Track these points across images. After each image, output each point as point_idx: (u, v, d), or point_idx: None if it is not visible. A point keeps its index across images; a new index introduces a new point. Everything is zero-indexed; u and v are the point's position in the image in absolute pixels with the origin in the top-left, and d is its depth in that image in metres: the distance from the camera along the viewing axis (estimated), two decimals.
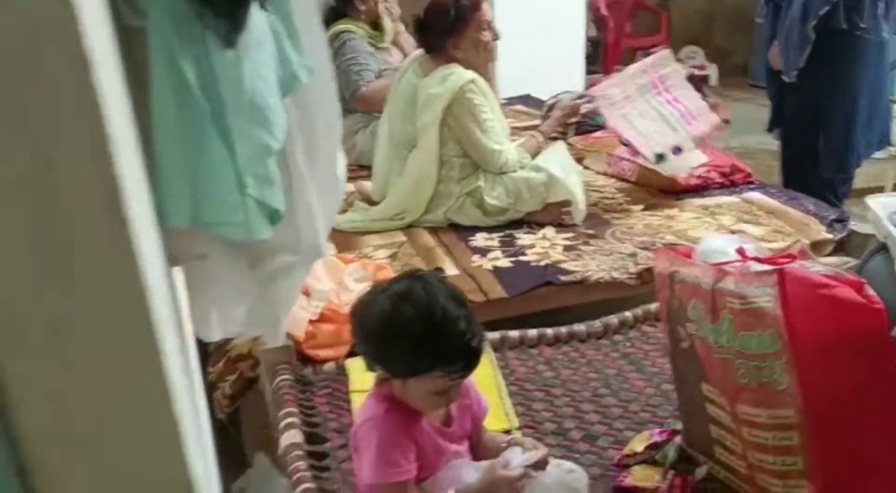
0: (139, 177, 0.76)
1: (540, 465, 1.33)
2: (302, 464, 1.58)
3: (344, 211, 2.96)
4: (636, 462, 1.64)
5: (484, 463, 1.34)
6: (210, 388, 2.07)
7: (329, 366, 2.03)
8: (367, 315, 1.26)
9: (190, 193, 0.84)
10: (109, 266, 0.46)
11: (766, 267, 1.42)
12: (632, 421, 1.81)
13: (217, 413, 2.08)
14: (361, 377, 1.88)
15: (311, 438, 1.72)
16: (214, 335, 1.16)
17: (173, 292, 0.98)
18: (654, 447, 1.65)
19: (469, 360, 1.24)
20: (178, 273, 1.05)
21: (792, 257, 1.47)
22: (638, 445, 1.67)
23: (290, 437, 1.67)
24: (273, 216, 0.96)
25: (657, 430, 1.71)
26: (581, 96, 3.21)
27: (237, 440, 2.17)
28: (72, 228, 0.45)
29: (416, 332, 1.21)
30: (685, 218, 2.78)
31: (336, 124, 1.08)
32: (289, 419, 1.74)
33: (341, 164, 1.14)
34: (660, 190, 3.04)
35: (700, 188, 3.05)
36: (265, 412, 1.94)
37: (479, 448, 1.44)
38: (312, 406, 1.85)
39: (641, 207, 2.93)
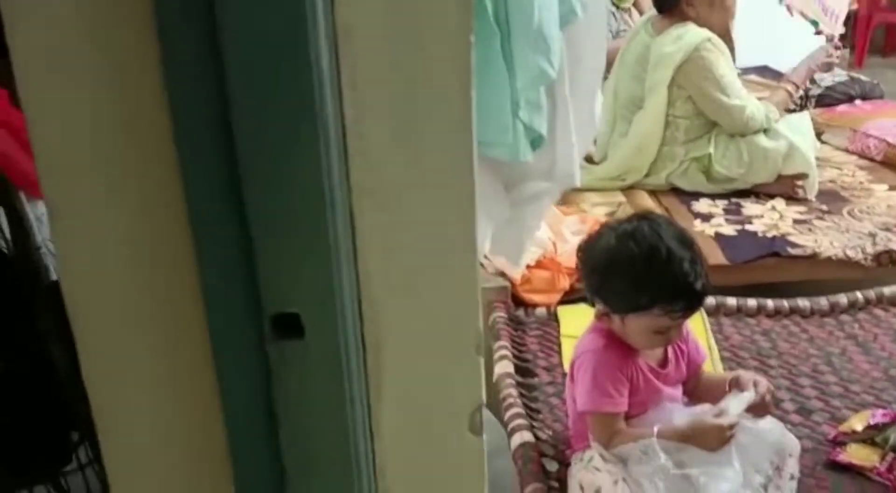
0: None
1: (759, 410, 1.32)
2: (513, 391, 1.66)
3: None
4: (853, 440, 1.58)
5: (697, 409, 1.35)
6: None
7: (541, 311, 2.10)
8: (593, 249, 1.31)
9: None
10: (454, 140, 0.55)
11: None
12: (852, 401, 1.73)
13: None
14: (573, 323, 1.93)
15: (520, 371, 1.80)
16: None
17: None
18: (874, 427, 1.58)
19: (690, 300, 1.25)
20: None
21: None
22: (857, 423, 1.61)
23: (503, 367, 1.76)
24: (536, 141, 1.02)
25: (880, 411, 1.63)
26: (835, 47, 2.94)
27: None
28: (432, 101, 0.54)
29: (639, 268, 1.24)
30: None
31: (600, 62, 1.12)
32: (503, 352, 1.83)
33: (598, 101, 1.18)
34: None
35: None
36: None
37: (698, 392, 1.45)
38: (523, 344, 1.93)
39: (886, 187, 2.73)
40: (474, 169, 0.55)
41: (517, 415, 1.57)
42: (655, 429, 1.27)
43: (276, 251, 0.52)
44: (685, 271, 1.23)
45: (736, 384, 1.37)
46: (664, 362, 1.39)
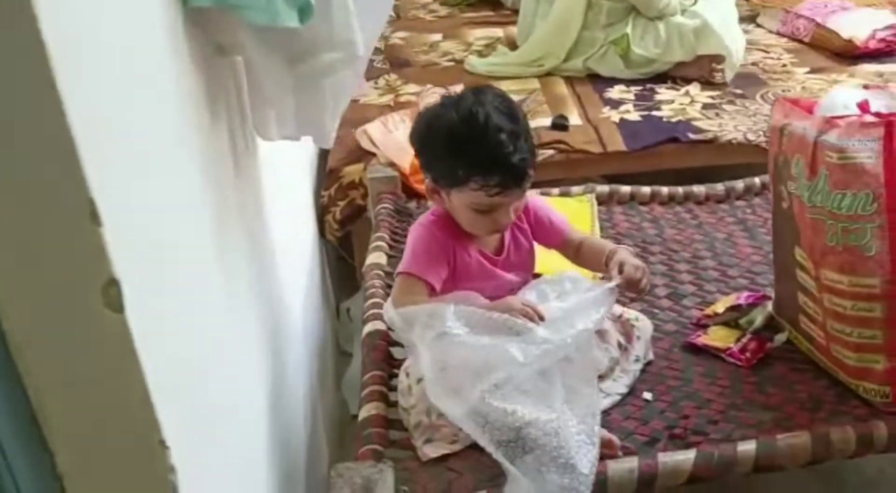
0: None
1: (632, 289, 1.31)
2: (378, 283, 1.64)
3: (485, 55, 2.91)
4: (716, 323, 1.57)
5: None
6: (322, 211, 2.17)
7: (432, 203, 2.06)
8: (421, 119, 1.27)
9: None
10: None
11: (875, 119, 1.25)
12: (726, 286, 1.72)
13: (327, 235, 2.18)
14: None
15: (394, 263, 1.77)
16: (273, 136, 1.20)
17: None
18: (736, 308, 1.57)
19: (506, 176, 1.20)
20: None
21: None
22: (721, 306, 1.59)
23: (374, 258, 1.74)
24: (305, 9, 0.95)
25: (745, 293, 1.61)
26: None
27: (350, 265, 2.29)
28: None
29: (456, 136, 1.20)
30: (852, 85, 2.49)
31: None
32: (378, 243, 1.80)
33: None
34: (834, 53, 2.73)
35: (881, 53, 2.71)
36: None
37: (579, 260, 1.43)
38: (404, 235, 1.89)
39: (806, 69, 2.66)
40: None
41: (373, 305, 1.54)
42: (453, 303, 1.22)
43: None
44: (501, 141, 1.18)
45: (610, 262, 1.35)
46: (500, 249, 1.36)
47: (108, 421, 0.66)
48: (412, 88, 2.64)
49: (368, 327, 1.49)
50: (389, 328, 1.41)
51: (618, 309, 1.44)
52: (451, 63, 2.91)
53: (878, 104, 1.38)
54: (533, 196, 1.42)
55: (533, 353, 1.14)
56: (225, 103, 1.08)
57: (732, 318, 1.56)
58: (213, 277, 0.93)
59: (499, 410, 1.11)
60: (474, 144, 1.19)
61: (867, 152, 1.23)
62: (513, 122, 1.21)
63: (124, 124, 0.66)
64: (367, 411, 1.27)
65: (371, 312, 1.53)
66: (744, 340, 1.50)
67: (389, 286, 1.66)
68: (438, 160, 1.24)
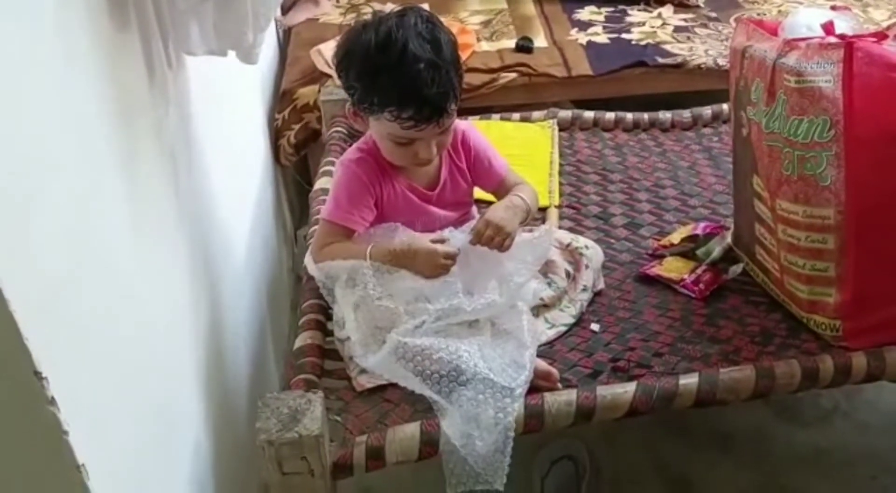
0: None
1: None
2: (320, 207, 1.58)
3: None
4: (672, 253, 1.53)
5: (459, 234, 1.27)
6: (276, 135, 2.09)
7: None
8: (341, 40, 1.20)
9: None
10: None
11: (835, 41, 1.19)
12: (686, 216, 1.68)
13: (282, 160, 2.11)
14: None
15: None
16: (196, 50, 1.13)
17: None
18: (692, 239, 1.53)
19: (421, 109, 1.12)
20: None
21: (881, 37, 1.23)
22: (677, 236, 1.55)
23: (323, 183, 1.67)
24: None
25: (703, 224, 1.57)
26: None
27: (307, 190, 2.22)
28: None
29: (369, 62, 1.13)
30: (828, 6, 2.40)
31: None
32: (327, 167, 1.73)
33: None
34: None
35: None
36: None
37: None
38: None
39: None
40: None
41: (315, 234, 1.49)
42: (369, 249, 1.19)
43: None
44: (418, 71, 1.11)
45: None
46: (434, 184, 1.30)
47: None
48: (376, 5, 2.53)
49: (307, 258, 1.43)
50: None
51: (566, 237, 1.40)
52: None
53: (844, 26, 1.31)
54: (475, 134, 1.36)
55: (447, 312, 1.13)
56: (137, 15, 1.00)
57: (689, 249, 1.52)
58: (110, 200, 0.86)
59: (418, 347, 1.08)
60: (388, 73, 1.12)
61: (826, 76, 1.17)
62: (435, 51, 1.13)
63: None
64: (303, 339, 1.23)
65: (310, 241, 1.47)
66: (698, 271, 1.46)
67: None
68: (355, 85, 1.18)
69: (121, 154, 0.89)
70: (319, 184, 1.68)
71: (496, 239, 1.20)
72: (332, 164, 1.75)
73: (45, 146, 0.70)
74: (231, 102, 1.70)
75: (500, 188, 1.37)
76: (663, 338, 1.29)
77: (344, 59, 1.18)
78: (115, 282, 0.84)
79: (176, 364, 1.06)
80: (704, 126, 2.02)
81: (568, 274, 1.36)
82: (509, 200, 1.29)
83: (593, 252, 1.39)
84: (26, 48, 0.68)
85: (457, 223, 1.32)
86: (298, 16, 2.36)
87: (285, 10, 2.45)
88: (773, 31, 1.38)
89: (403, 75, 1.11)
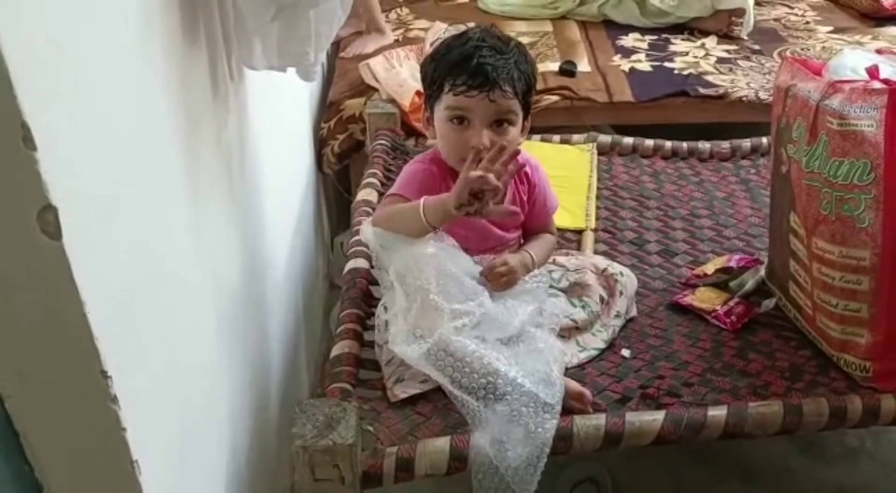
0: None
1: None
2: (365, 218, 1.61)
3: None
4: (705, 284, 1.54)
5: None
6: (321, 144, 2.14)
7: (432, 141, 2.02)
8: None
9: None
10: None
11: (879, 86, 1.20)
12: (720, 246, 1.69)
13: (324, 168, 2.15)
14: None
15: None
16: (259, 65, 1.17)
17: None
18: (727, 270, 1.54)
19: (474, 74, 1.20)
20: None
21: None
22: (711, 267, 1.57)
23: (364, 195, 1.71)
24: None
25: (738, 256, 1.58)
26: None
27: (347, 199, 2.26)
28: None
29: (443, 47, 1.26)
30: (873, 47, 2.41)
31: None
32: (370, 179, 1.77)
33: None
34: (860, 13, 2.64)
35: None
36: None
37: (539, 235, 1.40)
38: (398, 172, 1.85)
39: (829, 29, 2.57)
40: None
41: (358, 242, 1.52)
42: (422, 201, 1.21)
43: None
44: (475, 46, 1.22)
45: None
46: (496, 201, 1.32)
47: (47, 351, 0.64)
48: (423, 23, 2.57)
49: (351, 264, 1.47)
50: (371, 264, 1.40)
51: (602, 263, 1.42)
52: (466, 0, 2.83)
53: (889, 71, 1.33)
54: (543, 173, 1.40)
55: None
56: (206, 31, 1.05)
57: (722, 280, 1.54)
58: (176, 207, 0.91)
59: (455, 356, 1.11)
60: (455, 50, 1.24)
61: (868, 120, 1.19)
62: (503, 44, 1.24)
63: (70, 43, 0.63)
64: (340, 348, 1.26)
65: (356, 249, 1.51)
66: (731, 303, 1.48)
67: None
68: (427, 76, 1.28)
69: (186, 162, 0.93)
70: (362, 194, 1.71)
71: (502, 281, 1.26)
72: (375, 174, 1.80)
73: (125, 152, 0.74)
74: (282, 111, 1.75)
75: (536, 228, 1.41)
76: (693, 368, 1.31)
77: (427, 62, 1.28)
78: (177, 288, 0.88)
79: (219, 367, 1.10)
80: (743, 158, 2.03)
81: (602, 299, 1.38)
82: (526, 259, 1.32)
83: (628, 279, 1.41)
84: (112, 51, 0.73)
85: (508, 246, 1.35)
86: (367, 46, 2.37)
87: (343, 43, 2.49)
88: (818, 72, 1.40)
89: (463, 50, 1.22)
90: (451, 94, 1.22)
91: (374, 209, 1.66)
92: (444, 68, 1.23)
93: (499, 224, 1.34)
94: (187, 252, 0.93)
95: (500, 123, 1.24)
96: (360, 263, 1.47)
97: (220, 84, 1.12)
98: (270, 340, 1.45)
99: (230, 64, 1.18)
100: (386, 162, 1.87)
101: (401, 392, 1.19)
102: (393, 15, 2.68)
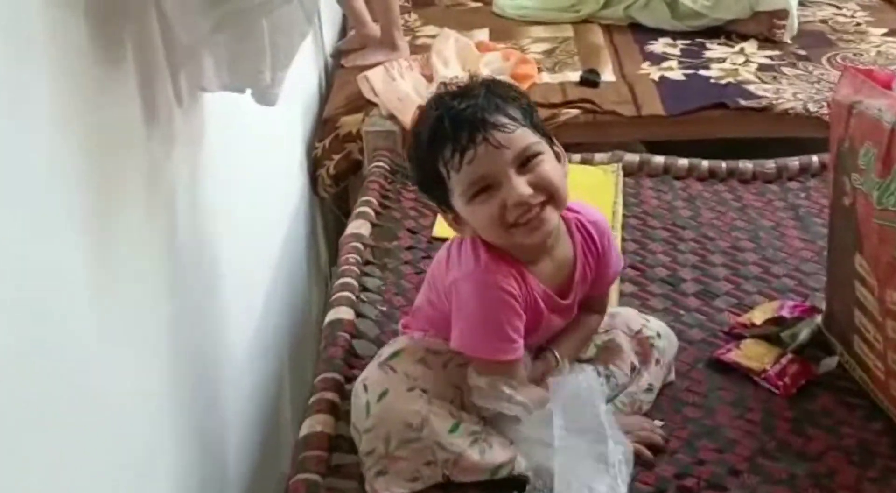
0: None
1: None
2: (354, 258, 1.41)
3: None
4: (752, 335, 1.31)
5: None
6: (315, 165, 1.93)
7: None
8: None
9: None
10: None
11: None
12: (768, 286, 1.46)
13: (319, 192, 1.95)
14: None
15: (380, 233, 1.53)
16: (211, 86, 0.97)
17: None
18: (778, 321, 1.31)
19: (456, 135, 0.94)
20: None
21: None
22: (760, 315, 1.33)
23: (354, 226, 1.51)
24: None
25: (791, 303, 1.34)
26: None
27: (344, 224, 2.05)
28: None
29: (413, 142, 1.01)
30: None
31: None
32: (362, 208, 1.57)
33: None
34: None
35: None
36: None
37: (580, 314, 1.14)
38: (397, 200, 1.66)
39: (883, 31, 2.33)
40: None
41: (343, 287, 1.32)
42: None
43: None
44: (436, 111, 0.97)
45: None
46: (566, 288, 1.08)
47: None
48: (431, 30, 2.36)
49: (331, 315, 1.26)
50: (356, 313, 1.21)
51: (636, 321, 1.18)
52: (479, 4, 2.62)
53: None
54: (607, 224, 1.15)
55: None
56: (137, 51, 0.84)
57: (773, 332, 1.31)
58: (76, 260, 0.70)
59: None
60: (421, 134, 0.99)
61: None
62: (465, 88, 0.98)
63: None
64: (310, 426, 1.05)
65: (339, 294, 1.30)
66: (783, 361, 1.24)
67: (368, 263, 1.44)
68: (419, 179, 1.04)
69: (95, 205, 0.73)
70: (353, 227, 1.51)
71: None
72: (370, 203, 1.59)
73: None
74: (264, 129, 1.54)
75: (587, 300, 1.14)
76: (741, 449, 1.08)
77: (411, 170, 1.07)
78: (72, 360, 0.67)
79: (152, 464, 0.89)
80: (790, 179, 1.80)
81: (633, 367, 1.15)
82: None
83: (666, 343, 1.18)
84: None
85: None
86: (374, 57, 2.14)
87: (337, 52, 2.29)
88: (887, 84, 1.16)
89: (430, 120, 0.97)
90: (454, 173, 0.96)
91: (365, 246, 1.46)
92: (426, 155, 0.98)
93: (564, 313, 1.10)
94: (87, 317, 0.71)
95: (525, 162, 0.97)
96: (344, 313, 1.25)
97: (158, 109, 0.92)
98: (238, 408, 1.24)
99: (176, 85, 0.97)
100: (383, 188, 1.66)
101: (382, 488, 0.98)
102: (400, 21, 2.46)
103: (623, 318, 1.18)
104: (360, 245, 1.45)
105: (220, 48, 0.89)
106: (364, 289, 1.36)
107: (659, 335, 1.18)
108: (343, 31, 2.46)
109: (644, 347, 1.16)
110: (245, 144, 1.34)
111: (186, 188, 1.02)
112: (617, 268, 1.16)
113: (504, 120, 0.96)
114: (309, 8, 0.89)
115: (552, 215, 1.00)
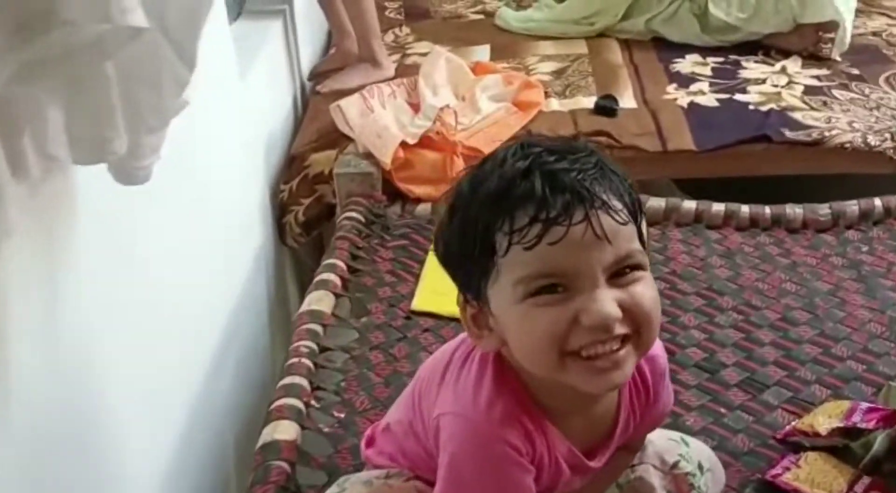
0: None
1: None
2: (307, 347, 1.13)
3: (524, 6, 2.34)
4: (812, 446, 1.01)
5: None
6: (281, 211, 1.65)
7: (423, 208, 1.53)
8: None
9: None
10: None
11: None
12: (829, 372, 1.17)
13: (287, 241, 1.67)
14: None
15: (347, 306, 1.25)
16: (56, 151, 0.68)
17: None
18: (848, 431, 1.01)
19: (547, 200, 0.65)
20: None
21: None
22: (825, 421, 1.04)
23: (314, 300, 1.22)
24: None
25: (866, 405, 1.04)
26: None
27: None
28: None
29: (467, 187, 0.71)
30: None
31: None
32: (325, 275, 1.29)
33: None
34: None
35: None
36: None
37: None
38: (372, 260, 1.37)
39: None
40: None
41: (288, 391, 1.03)
42: None
43: None
44: (524, 157, 0.68)
45: None
46: (598, 448, 0.79)
47: None
48: (425, 46, 2.08)
49: (268, 430, 0.97)
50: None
51: (670, 452, 0.87)
52: (481, 16, 2.34)
53: None
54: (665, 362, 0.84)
55: None
56: None
57: (842, 443, 1.01)
58: None
59: None
60: (489, 178, 0.69)
61: None
62: (566, 141, 0.73)
63: None
64: None
65: (280, 402, 1.01)
66: (858, 488, 0.95)
67: (326, 349, 1.15)
68: (451, 247, 0.72)
69: None
70: (311, 300, 1.24)
71: None
72: (333, 269, 1.31)
73: None
74: (209, 175, 1.26)
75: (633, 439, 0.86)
76: None
77: (443, 227, 0.74)
78: None
79: None
80: (848, 228, 1.51)
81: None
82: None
83: (709, 480, 0.88)
84: None
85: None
86: (353, 79, 1.86)
87: (314, 75, 2.02)
88: None
89: (512, 166, 0.68)
90: (516, 249, 0.67)
91: (325, 328, 1.18)
92: (482, 213, 0.68)
93: (586, 473, 0.81)
94: None
95: (621, 273, 0.68)
96: (283, 431, 0.97)
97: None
98: None
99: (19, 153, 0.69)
100: (354, 246, 1.38)
101: None
102: (389, 36, 2.19)
103: (655, 448, 0.88)
104: (317, 328, 1.17)
105: (54, 102, 0.60)
106: (317, 387, 1.07)
107: (701, 469, 0.88)
108: (327, 50, 2.18)
109: (680, 485, 0.87)
110: (163, 201, 1.05)
111: (46, 274, 0.74)
112: (666, 410, 0.85)
113: (618, 205, 0.67)
114: (183, 44, 0.60)
115: (630, 360, 0.69)
